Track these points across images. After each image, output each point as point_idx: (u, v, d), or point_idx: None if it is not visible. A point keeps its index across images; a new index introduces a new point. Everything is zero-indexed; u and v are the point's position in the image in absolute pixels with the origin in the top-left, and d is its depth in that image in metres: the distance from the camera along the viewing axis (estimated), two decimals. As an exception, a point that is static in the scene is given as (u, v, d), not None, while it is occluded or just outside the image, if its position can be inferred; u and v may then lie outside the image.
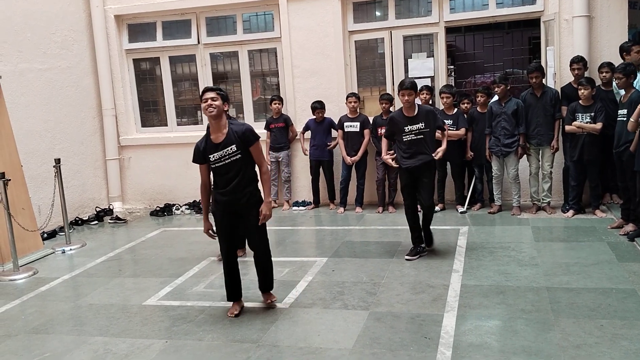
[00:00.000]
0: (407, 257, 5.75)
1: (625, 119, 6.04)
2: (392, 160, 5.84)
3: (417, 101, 6.36)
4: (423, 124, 5.59)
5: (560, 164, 7.33)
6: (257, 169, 4.57)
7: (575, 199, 7.04)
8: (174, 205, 8.95)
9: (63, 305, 5.25)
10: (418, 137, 5.60)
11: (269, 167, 8.46)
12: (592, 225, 6.59)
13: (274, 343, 4.13)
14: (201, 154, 4.49)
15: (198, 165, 4.55)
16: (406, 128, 5.60)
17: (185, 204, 8.94)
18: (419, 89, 7.70)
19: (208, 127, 4.56)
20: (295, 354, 3.93)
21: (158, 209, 8.87)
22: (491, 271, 5.29)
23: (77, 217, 8.48)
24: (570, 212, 7.02)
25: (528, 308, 4.44)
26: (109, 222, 8.56)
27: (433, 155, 5.67)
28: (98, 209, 8.81)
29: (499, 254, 5.78)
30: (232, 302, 4.76)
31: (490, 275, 5.19)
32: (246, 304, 4.89)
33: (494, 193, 7.49)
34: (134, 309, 5.02)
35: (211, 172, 4.55)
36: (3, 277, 6.13)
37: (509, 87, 7.32)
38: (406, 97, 5.52)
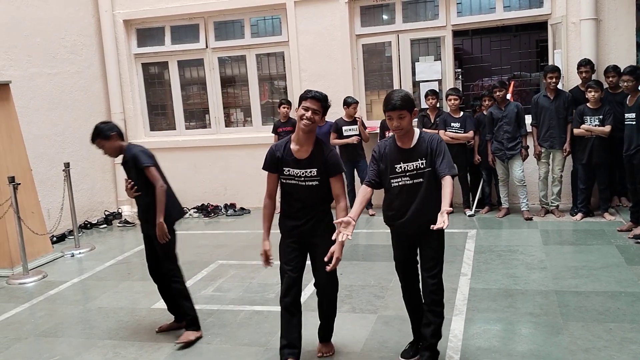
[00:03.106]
0: None
1: (634, 122, 6.03)
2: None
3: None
4: (424, 161, 3.51)
5: (569, 167, 7.31)
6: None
7: (583, 202, 7.02)
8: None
9: (72, 308, 5.28)
10: (415, 180, 3.54)
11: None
12: (601, 228, 6.56)
13: (282, 346, 4.14)
14: (276, 161, 3.73)
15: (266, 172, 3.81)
16: (397, 166, 3.57)
17: (194, 208, 8.97)
18: (425, 93, 7.74)
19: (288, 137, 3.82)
20: (304, 357, 3.93)
21: (166, 212, 8.88)
22: (499, 274, 5.27)
23: (86, 220, 8.53)
24: (579, 215, 6.99)
25: (536, 312, 4.42)
26: (118, 226, 8.60)
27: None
28: (107, 213, 8.86)
29: (507, 257, 5.76)
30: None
31: (499, 278, 5.18)
32: (255, 308, 4.91)
33: (501, 196, 7.48)
34: (142, 312, 5.05)
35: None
36: (13, 281, 6.17)
37: (507, 92, 7.31)
38: (395, 122, 3.46)
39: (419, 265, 3.70)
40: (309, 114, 3.57)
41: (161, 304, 5.17)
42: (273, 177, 3.80)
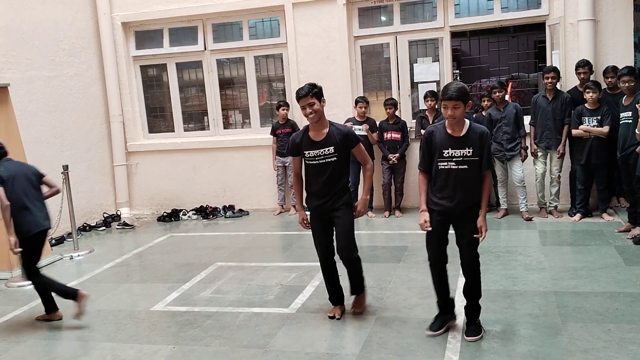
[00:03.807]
0: (428, 333, 4.21)
1: (629, 121, 6.04)
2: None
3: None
4: (471, 150, 3.90)
5: (568, 167, 7.31)
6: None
7: (582, 203, 7.02)
8: (181, 210, 8.99)
9: (71, 311, 5.26)
10: (460, 166, 3.94)
11: (276, 172, 8.51)
12: (600, 228, 6.57)
13: (281, 349, 4.14)
14: (296, 146, 4.44)
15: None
16: (445, 152, 3.95)
17: (193, 210, 8.96)
18: (424, 94, 7.76)
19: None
20: (302, 359, 3.93)
21: (165, 214, 8.90)
22: (498, 275, 5.28)
23: (85, 223, 8.52)
24: (578, 215, 7.00)
25: (535, 312, 4.43)
26: (117, 228, 8.60)
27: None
28: (106, 215, 8.85)
29: (506, 258, 5.77)
30: (333, 305, 4.67)
31: (497, 279, 5.18)
32: (254, 310, 4.91)
33: (500, 197, 7.49)
34: (141, 314, 5.04)
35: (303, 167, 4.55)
36: (11, 284, 6.17)
37: (506, 93, 7.33)
38: (449, 111, 3.82)
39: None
40: (308, 110, 4.27)
41: (159, 306, 5.18)
42: (297, 159, 4.52)
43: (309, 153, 4.38)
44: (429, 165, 4.03)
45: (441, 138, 3.94)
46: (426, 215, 3.98)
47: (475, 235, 3.95)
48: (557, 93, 7.06)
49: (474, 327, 4.09)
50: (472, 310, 4.15)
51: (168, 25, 9.13)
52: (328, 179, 4.36)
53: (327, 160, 4.33)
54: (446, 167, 3.93)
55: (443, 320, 4.21)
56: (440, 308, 4.24)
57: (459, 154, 3.88)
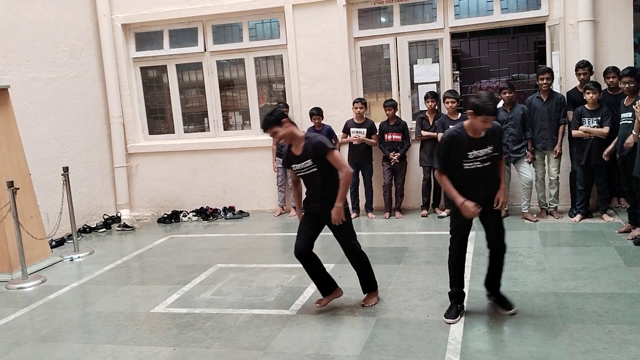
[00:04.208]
0: (448, 321, 4.40)
1: (630, 122, 6.04)
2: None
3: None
4: (492, 147, 4.28)
5: (567, 168, 7.31)
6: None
7: (582, 204, 7.02)
8: (181, 212, 8.99)
9: (71, 313, 5.27)
10: (485, 164, 4.30)
11: (277, 173, 8.51)
12: (600, 229, 6.57)
13: (281, 350, 4.14)
14: (286, 161, 4.81)
15: None
16: (470, 153, 4.25)
17: (193, 211, 8.96)
18: (424, 95, 7.76)
19: None
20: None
21: (165, 216, 8.90)
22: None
23: (85, 224, 8.52)
24: (578, 216, 7.00)
25: (535, 314, 4.42)
26: (117, 230, 8.60)
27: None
28: (106, 217, 8.86)
29: (506, 259, 5.74)
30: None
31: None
32: (254, 312, 4.91)
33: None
34: (141, 316, 5.04)
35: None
36: (12, 285, 6.17)
37: (514, 94, 7.29)
38: (488, 124, 4.16)
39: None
40: (275, 138, 4.62)
41: (160, 308, 5.18)
42: (291, 170, 4.79)
43: (294, 167, 4.65)
44: (450, 167, 4.29)
45: (464, 141, 4.23)
46: (470, 202, 4.21)
47: (495, 207, 4.37)
48: (551, 94, 7.06)
49: (509, 301, 4.51)
50: (499, 292, 4.57)
51: (168, 26, 9.13)
52: (317, 188, 4.62)
53: (310, 171, 4.57)
54: (472, 167, 4.25)
55: (457, 309, 4.45)
56: (455, 297, 4.50)
57: (483, 153, 4.24)
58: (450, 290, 4.53)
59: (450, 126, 7.37)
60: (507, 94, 7.14)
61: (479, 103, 4.10)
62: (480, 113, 4.08)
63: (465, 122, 4.28)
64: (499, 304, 4.54)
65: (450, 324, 4.34)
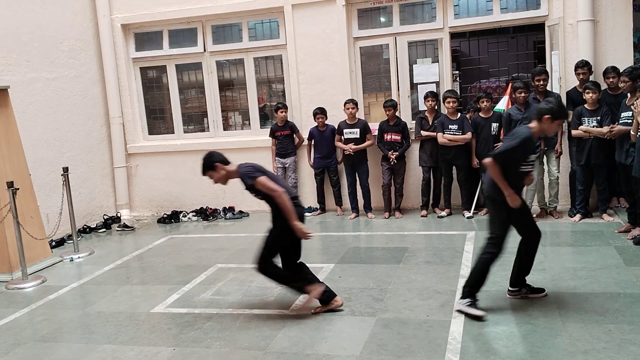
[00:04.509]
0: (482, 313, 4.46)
1: (630, 121, 6.04)
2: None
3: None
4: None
5: (567, 168, 7.32)
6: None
7: (582, 203, 7.02)
8: (181, 212, 8.99)
9: (71, 313, 5.28)
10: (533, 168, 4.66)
11: (276, 173, 8.53)
12: (600, 229, 6.57)
13: (281, 350, 4.14)
14: None
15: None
16: (530, 158, 4.52)
17: (192, 211, 8.97)
18: (424, 95, 7.76)
19: None
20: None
21: (165, 216, 8.90)
22: (498, 276, 5.26)
23: (85, 225, 8.53)
24: (578, 216, 7.00)
25: (535, 313, 4.42)
26: (117, 230, 8.60)
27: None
28: (106, 217, 8.86)
29: (505, 259, 5.70)
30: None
31: (497, 280, 5.16)
32: (254, 312, 4.91)
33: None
34: (142, 316, 5.04)
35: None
36: (12, 286, 6.17)
37: (529, 94, 7.18)
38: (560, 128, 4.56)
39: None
40: (212, 181, 4.67)
41: (160, 308, 5.19)
42: None
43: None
44: (507, 164, 4.35)
45: (532, 146, 4.49)
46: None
47: None
48: (547, 94, 7.05)
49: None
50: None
51: (167, 27, 9.13)
52: (272, 210, 4.69)
53: (258, 197, 4.69)
54: (526, 169, 4.50)
55: (521, 286, 4.76)
56: (517, 277, 4.74)
57: (534, 158, 4.63)
58: (477, 289, 4.56)
59: (450, 126, 7.44)
60: (523, 94, 7.07)
61: (558, 108, 4.27)
62: (559, 117, 4.28)
63: (533, 126, 4.34)
64: (532, 292, 4.74)
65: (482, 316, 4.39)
